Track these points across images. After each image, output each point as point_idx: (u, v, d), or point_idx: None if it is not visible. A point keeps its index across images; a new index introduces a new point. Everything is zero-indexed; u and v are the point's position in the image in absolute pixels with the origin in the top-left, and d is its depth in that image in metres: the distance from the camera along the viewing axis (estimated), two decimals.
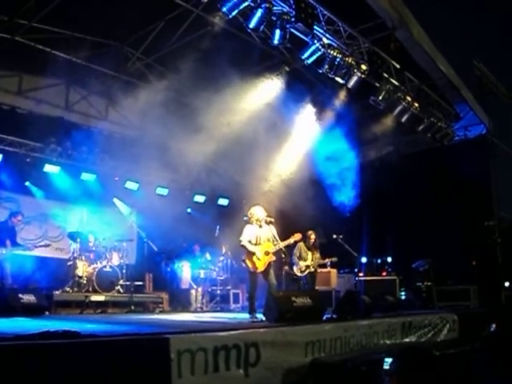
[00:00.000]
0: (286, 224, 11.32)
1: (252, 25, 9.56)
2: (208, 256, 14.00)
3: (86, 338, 4.39)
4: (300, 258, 11.62)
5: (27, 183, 13.46)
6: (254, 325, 7.23)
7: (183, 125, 12.67)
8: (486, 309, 11.45)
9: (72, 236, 12.67)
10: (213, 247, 14.39)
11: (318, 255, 11.75)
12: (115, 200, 15.01)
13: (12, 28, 11.12)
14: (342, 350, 6.54)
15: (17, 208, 12.48)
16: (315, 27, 9.95)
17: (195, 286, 13.14)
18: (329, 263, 12.25)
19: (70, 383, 3.90)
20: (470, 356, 5.35)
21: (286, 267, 12.34)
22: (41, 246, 11.49)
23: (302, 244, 11.55)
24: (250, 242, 8.54)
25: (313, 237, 11.76)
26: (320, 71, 11.10)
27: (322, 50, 10.48)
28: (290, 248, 9.11)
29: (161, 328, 6.42)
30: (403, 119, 12.83)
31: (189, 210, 16.25)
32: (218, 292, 13.82)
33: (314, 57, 10.68)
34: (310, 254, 11.65)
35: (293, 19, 9.36)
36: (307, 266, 11.57)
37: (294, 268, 11.70)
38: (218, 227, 14.65)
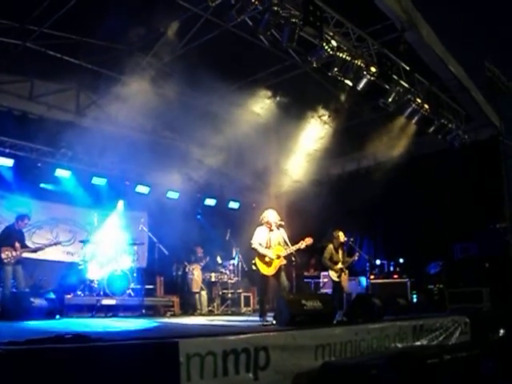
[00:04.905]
0: (296, 227, 11.29)
1: (261, 28, 9.53)
2: (219, 259, 14.02)
3: (96, 342, 4.40)
4: (331, 260, 11.20)
5: (42, 185, 13.54)
6: (264, 328, 7.21)
7: (194, 128, 12.71)
8: (498, 311, 11.36)
9: (84, 241, 12.76)
10: (224, 250, 14.41)
11: (345, 255, 11.39)
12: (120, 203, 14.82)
13: (23, 34, 11.23)
14: (353, 354, 6.49)
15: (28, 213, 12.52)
16: (324, 30, 9.92)
17: (205, 290, 13.16)
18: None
19: None
20: (480, 359, 5.31)
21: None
22: (50, 245, 11.48)
23: (331, 246, 11.30)
24: (260, 244, 8.54)
25: (340, 235, 11.33)
26: (329, 74, 11.08)
27: (331, 52, 10.45)
28: (303, 251, 9.02)
29: (170, 332, 6.43)
30: (413, 121, 12.77)
31: (198, 217, 16.11)
32: (229, 295, 13.84)
33: (323, 59, 10.67)
34: (340, 254, 11.27)
35: (301, 22, 9.33)
36: (341, 270, 11.17)
37: (330, 273, 11.25)
38: (228, 230, 14.65)
